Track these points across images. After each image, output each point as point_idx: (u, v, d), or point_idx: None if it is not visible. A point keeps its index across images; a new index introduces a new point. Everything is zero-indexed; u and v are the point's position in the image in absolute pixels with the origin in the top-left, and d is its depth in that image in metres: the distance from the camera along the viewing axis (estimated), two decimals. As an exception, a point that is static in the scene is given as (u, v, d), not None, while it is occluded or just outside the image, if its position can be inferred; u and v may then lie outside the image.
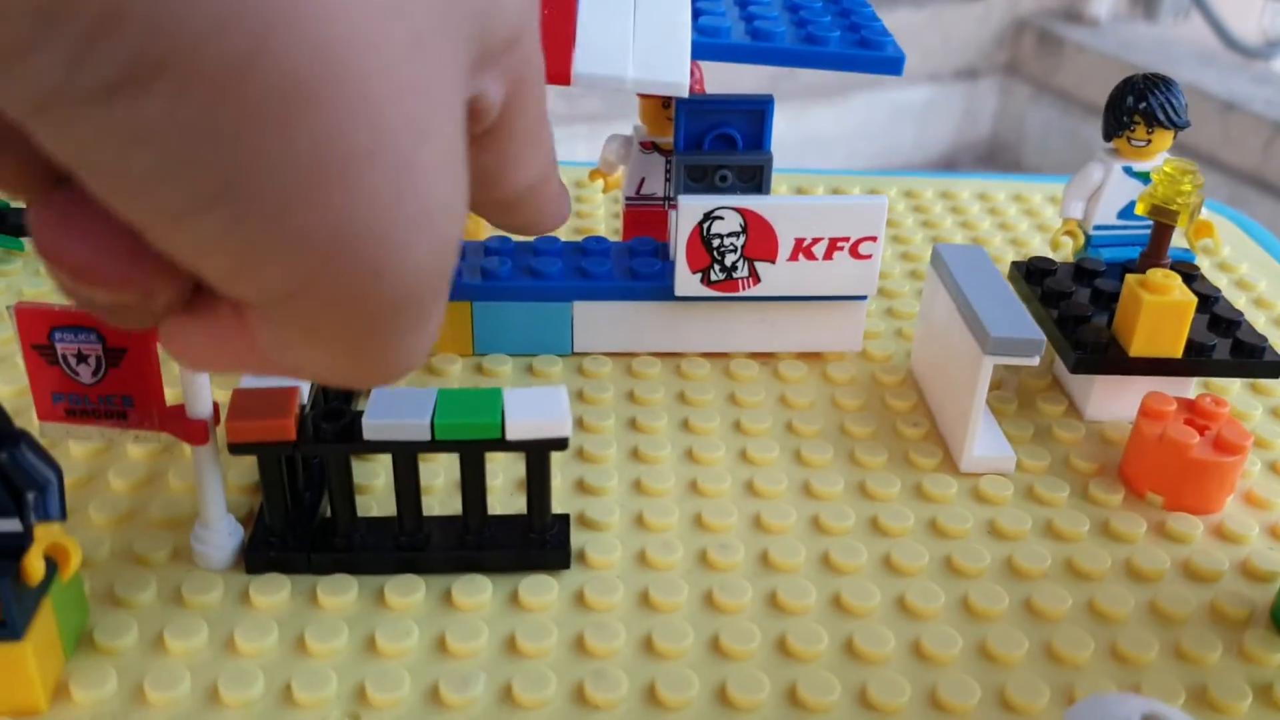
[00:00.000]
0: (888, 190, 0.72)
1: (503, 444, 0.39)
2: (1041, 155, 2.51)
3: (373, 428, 0.39)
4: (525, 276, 0.53)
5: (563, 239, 0.56)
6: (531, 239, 0.55)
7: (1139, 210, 0.49)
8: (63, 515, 0.35)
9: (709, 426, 0.49)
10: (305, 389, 0.41)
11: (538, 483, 0.41)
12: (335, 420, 0.39)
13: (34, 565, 0.34)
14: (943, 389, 0.50)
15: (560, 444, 0.39)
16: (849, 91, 2.45)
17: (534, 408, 0.39)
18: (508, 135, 0.26)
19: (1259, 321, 0.59)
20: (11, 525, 0.34)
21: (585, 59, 0.44)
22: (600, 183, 0.60)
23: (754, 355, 0.54)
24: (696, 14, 0.49)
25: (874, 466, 0.47)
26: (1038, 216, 0.70)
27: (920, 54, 2.47)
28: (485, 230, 0.60)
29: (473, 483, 0.41)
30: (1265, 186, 2.18)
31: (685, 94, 0.45)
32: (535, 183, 0.29)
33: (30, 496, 0.34)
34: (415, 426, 0.39)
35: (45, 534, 0.34)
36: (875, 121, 2.51)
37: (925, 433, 0.49)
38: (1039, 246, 0.66)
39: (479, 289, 0.52)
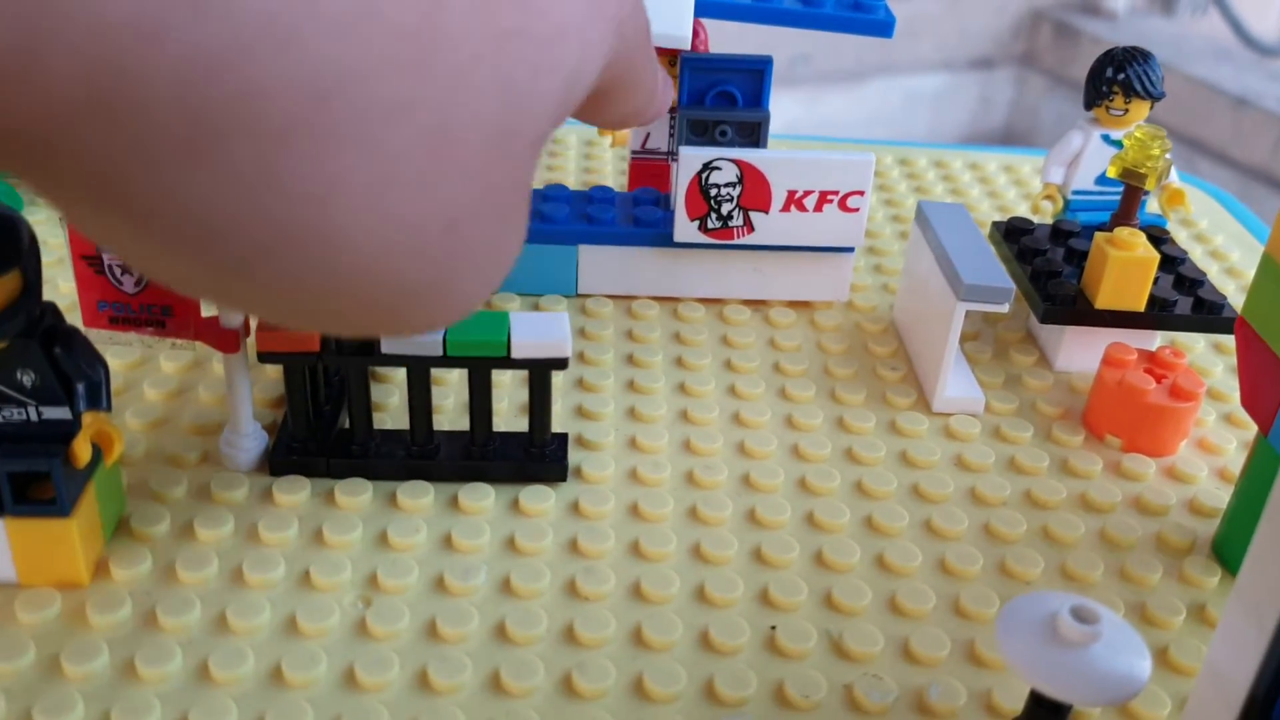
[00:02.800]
0: (883, 158, 0.75)
1: (508, 361, 0.43)
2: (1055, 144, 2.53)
3: (390, 342, 0.42)
4: (535, 220, 0.56)
5: (571, 188, 0.60)
6: (542, 187, 0.58)
7: (1110, 173, 0.53)
8: (108, 406, 0.38)
9: (700, 363, 0.53)
10: (328, 308, 0.44)
11: (539, 400, 0.44)
12: (355, 335, 0.43)
13: (82, 449, 0.38)
14: (921, 335, 0.53)
15: (560, 364, 0.43)
16: (864, 78, 2.47)
17: (538, 330, 0.43)
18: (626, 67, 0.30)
19: (1228, 289, 0.63)
20: (62, 413, 0.38)
21: (596, 13, 0.48)
22: (609, 138, 0.63)
23: (747, 302, 0.58)
24: (703, -24, 0.53)
25: (852, 403, 0.51)
26: (1025, 186, 0.73)
27: (937, 42, 2.50)
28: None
29: (480, 397, 0.44)
30: (1275, 183, 2.20)
31: (688, 47, 0.48)
32: (651, 88, 0.33)
33: (80, 387, 0.38)
34: (429, 342, 0.42)
35: (92, 421, 0.38)
36: (889, 108, 2.54)
37: (902, 376, 0.53)
38: (1023, 211, 0.69)
39: (491, 230, 0.55)
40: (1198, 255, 0.66)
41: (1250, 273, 0.63)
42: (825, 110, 2.46)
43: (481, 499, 0.43)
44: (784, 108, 2.40)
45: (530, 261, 0.56)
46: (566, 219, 0.56)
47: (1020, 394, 0.52)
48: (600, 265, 0.56)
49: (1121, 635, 0.34)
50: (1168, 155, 0.52)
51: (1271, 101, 2.22)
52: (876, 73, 2.48)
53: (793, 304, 0.58)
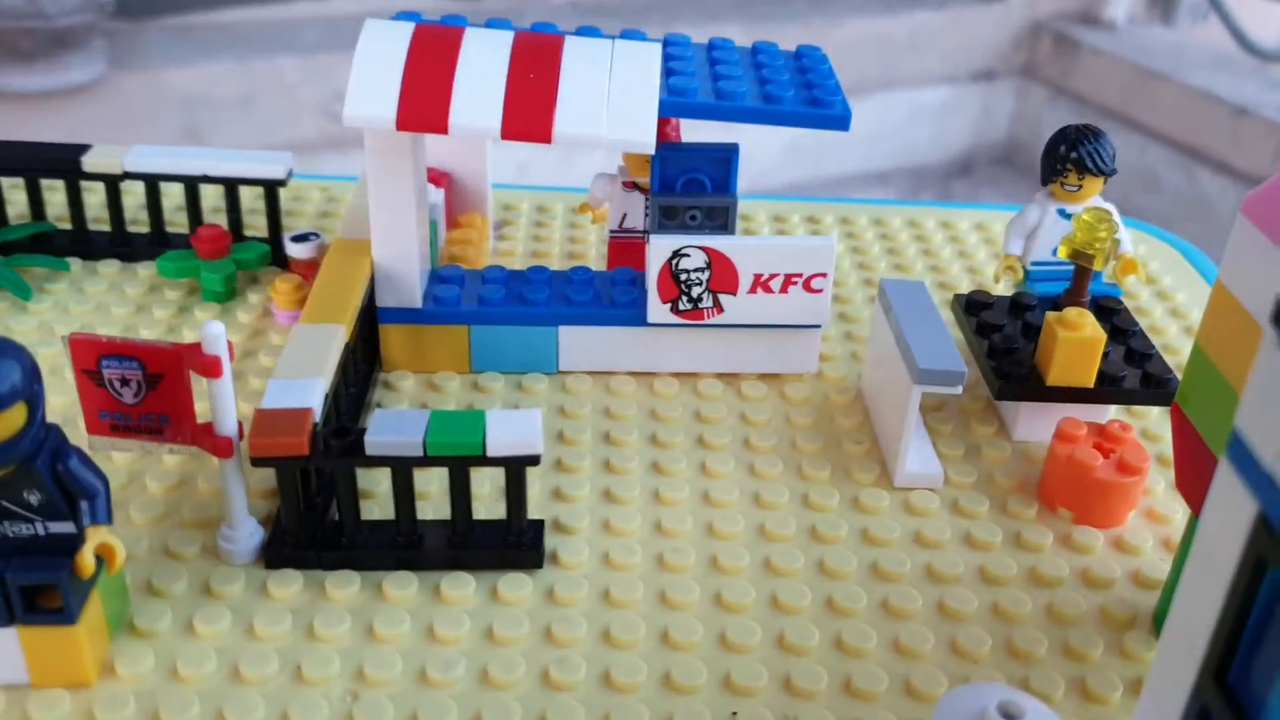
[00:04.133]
0: (858, 218, 0.78)
1: (484, 460, 0.46)
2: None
3: (373, 445, 0.45)
4: (516, 303, 0.59)
5: (556, 267, 0.62)
6: (524, 269, 0.61)
7: (1060, 254, 0.55)
8: (109, 519, 0.41)
9: (674, 441, 0.55)
10: (317, 409, 0.47)
11: (515, 493, 0.47)
12: (342, 437, 0.46)
13: (86, 562, 0.41)
14: (883, 411, 0.56)
15: (533, 460, 0.46)
16: (866, 93, 2.49)
17: (511, 428, 0.46)
18: None
19: (1185, 349, 0.65)
20: (67, 527, 0.41)
21: (564, 120, 0.50)
22: (589, 215, 0.66)
23: (720, 375, 0.60)
24: (669, 72, 0.55)
25: (817, 480, 0.53)
26: (995, 245, 0.75)
27: (938, 56, 2.52)
28: (483, 257, 0.66)
29: (460, 492, 0.47)
30: (1274, 190, 2.20)
31: (652, 152, 0.51)
32: None
33: (84, 504, 0.41)
34: (410, 444, 0.45)
35: (95, 535, 0.41)
36: (892, 122, 2.55)
37: (866, 450, 0.55)
38: (991, 275, 0.72)
39: (474, 313, 0.58)
40: (1158, 315, 0.68)
41: None
42: (826, 126, 2.47)
43: (463, 588, 0.46)
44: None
45: (513, 342, 0.59)
46: (547, 301, 0.59)
47: (979, 466, 0.55)
48: (579, 344, 0.59)
49: (1048, 729, 0.36)
50: (1116, 236, 0.54)
51: (1271, 110, 2.23)
52: (878, 88, 2.50)
53: (764, 376, 0.60)
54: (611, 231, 0.64)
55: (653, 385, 0.59)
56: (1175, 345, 0.65)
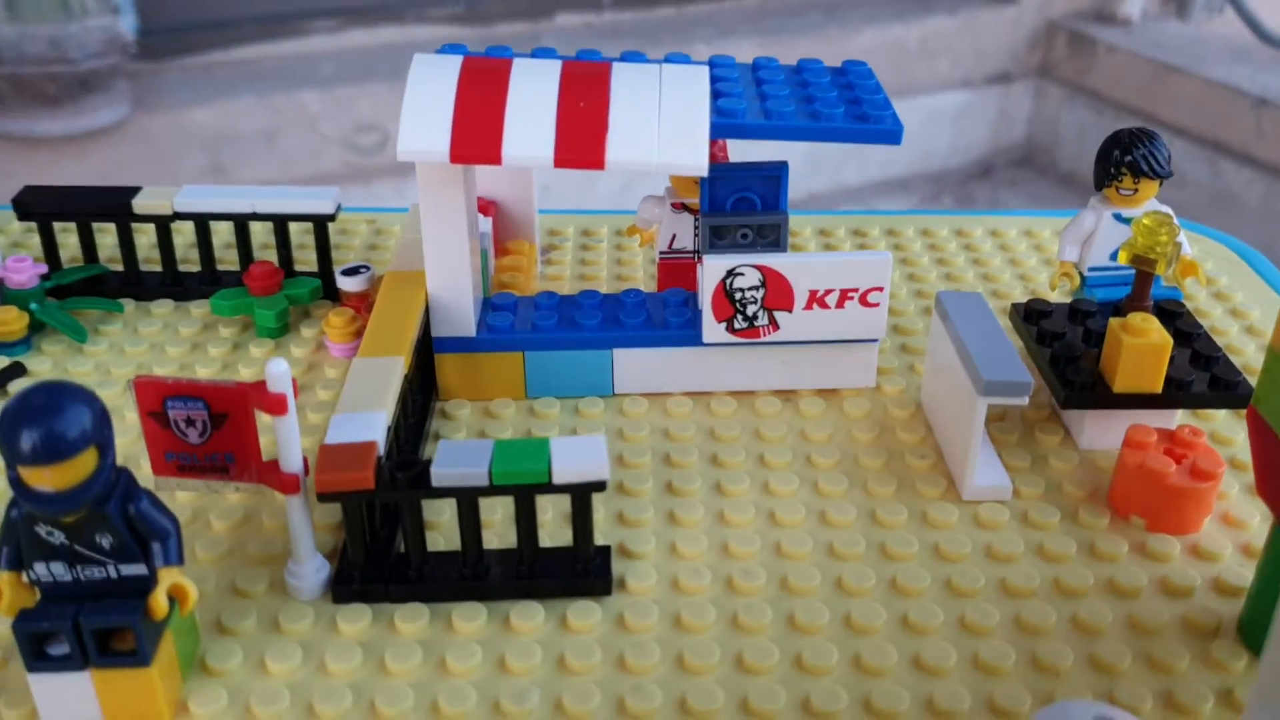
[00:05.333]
0: (905, 229, 0.77)
1: (550, 487, 0.45)
2: (1077, 157, 2.53)
3: (439, 476, 0.45)
4: (569, 328, 0.59)
5: (605, 290, 0.62)
6: (575, 294, 0.61)
7: (1121, 259, 0.54)
8: (181, 560, 0.41)
9: (735, 461, 0.55)
10: (381, 442, 0.47)
11: (581, 519, 0.47)
12: (408, 470, 0.46)
13: (159, 604, 0.40)
14: (946, 423, 0.55)
15: (599, 486, 0.45)
16: (885, 101, 2.48)
17: (576, 455, 0.45)
18: None
19: (1249, 349, 0.64)
20: (140, 569, 0.41)
21: (616, 146, 0.50)
22: (637, 238, 0.65)
23: (777, 393, 0.60)
24: (717, 94, 0.55)
25: (883, 496, 0.53)
26: (1045, 251, 0.75)
27: (953, 60, 2.51)
28: (532, 282, 0.66)
29: (526, 520, 0.47)
30: (1303, 182, 2.19)
31: (705, 174, 0.51)
32: None
33: (155, 546, 0.41)
34: (475, 475, 0.45)
35: (168, 576, 0.41)
36: (910, 128, 2.52)
37: (931, 464, 0.55)
38: (1044, 278, 0.71)
39: (529, 339, 0.58)
40: (1217, 315, 0.67)
41: (1269, 330, 0.65)
42: (849, 137, 2.47)
43: (532, 618, 0.46)
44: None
45: (568, 367, 0.59)
46: (599, 325, 0.58)
47: (1046, 475, 0.54)
48: (634, 366, 0.59)
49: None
50: (1178, 239, 0.54)
51: (1294, 101, 2.22)
52: (896, 95, 2.47)
53: (821, 392, 0.60)
54: (661, 253, 0.63)
55: (710, 405, 0.59)
56: (1238, 346, 0.64)
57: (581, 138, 0.50)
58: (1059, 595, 0.47)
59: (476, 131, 0.50)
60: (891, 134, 0.53)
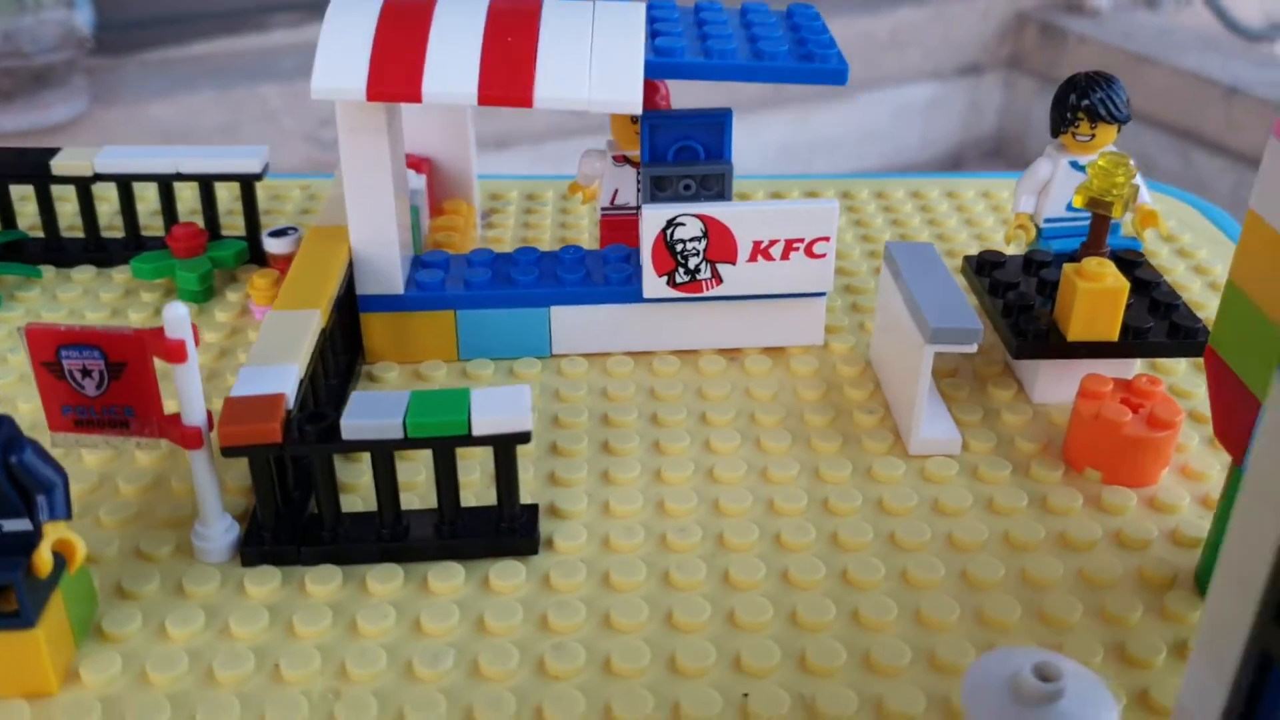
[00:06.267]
0: (860, 192, 0.75)
1: (470, 439, 0.43)
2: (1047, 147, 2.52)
3: (350, 428, 0.42)
4: (504, 285, 0.56)
5: (542, 249, 0.60)
6: (513, 251, 0.58)
7: (1076, 203, 0.52)
8: (68, 514, 0.38)
9: (675, 419, 0.52)
10: (291, 395, 0.44)
11: (505, 475, 0.44)
12: (317, 423, 0.43)
13: (43, 559, 0.38)
14: (895, 377, 0.53)
15: (522, 438, 0.43)
16: (853, 93, 2.47)
17: (497, 406, 0.43)
18: None
19: (1212, 305, 0.62)
20: (22, 525, 0.38)
21: (545, 83, 0.48)
22: (581, 198, 0.63)
23: (722, 351, 0.57)
24: (655, 34, 0.53)
25: (827, 452, 0.50)
26: (1002, 212, 0.73)
27: (923, 52, 2.50)
28: (469, 244, 0.63)
29: (446, 477, 0.44)
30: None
31: (639, 112, 0.48)
32: None
33: (40, 499, 0.38)
34: (389, 426, 0.42)
35: (53, 531, 0.38)
36: (880, 121, 2.53)
37: (879, 419, 0.52)
38: (1000, 239, 0.69)
39: (461, 297, 0.55)
40: (1180, 272, 0.65)
41: None
42: (816, 128, 2.46)
43: (452, 579, 0.43)
44: (775, 128, 2.40)
45: (502, 325, 0.56)
46: (536, 282, 0.56)
47: (998, 430, 0.52)
48: (573, 325, 0.56)
49: (1087, 689, 0.33)
50: (1135, 180, 0.51)
51: (1263, 88, 2.21)
52: (866, 87, 2.48)
53: (768, 350, 0.57)
54: (603, 209, 0.61)
55: (652, 364, 0.56)
56: (1200, 301, 0.62)
57: (508, 74, 0.48)
58: (1008, 549, 0.45)
59: (395, 68, 0.48)
60: (836, 73, 0.51)
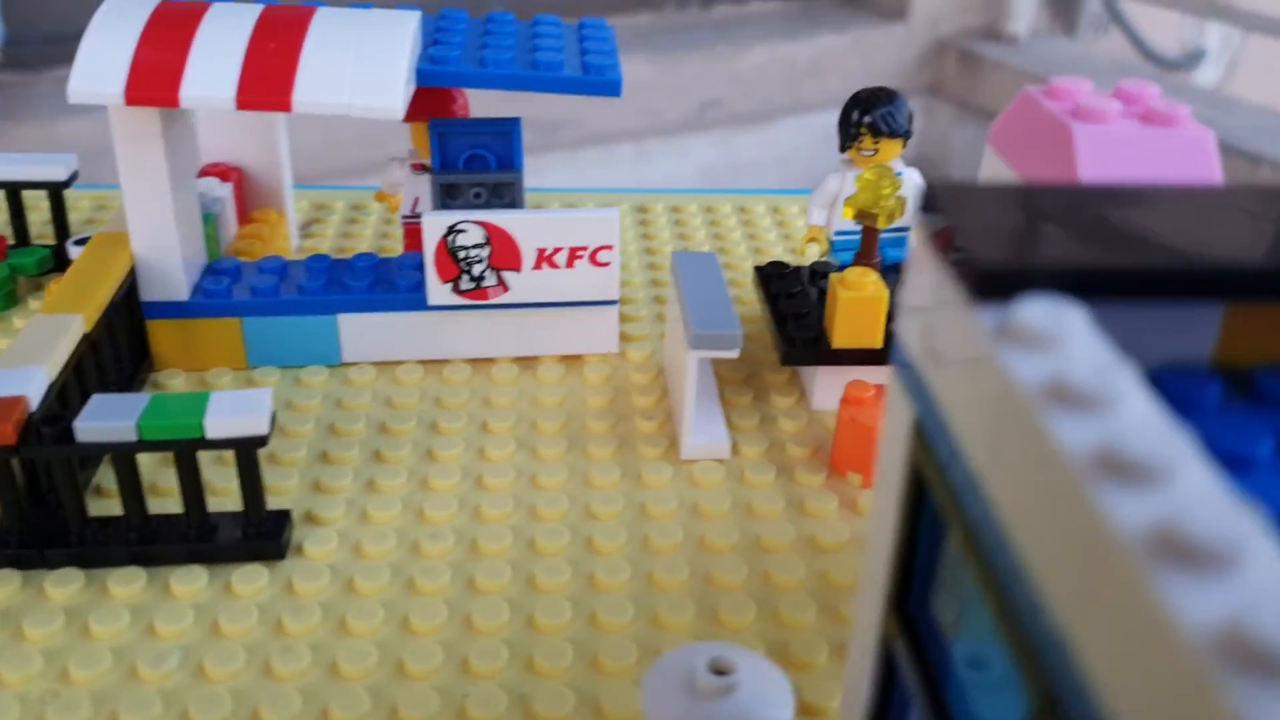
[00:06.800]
0: (654, 205, 0.76)
1: (206, 443, 0.42)
2: (966, 172, 2.56)
3: (84, 430, 0.42)
4: (292, 292, 0.56)
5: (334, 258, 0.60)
6: (304, 258, 0.58)
7: (845, 215, 0.53)
8: None
9: (453, 427, 0.52)
10: (34, 398, 0.44)
11: (248, 478, 0.44)
12: (54, 424, 0.43)
13: None
14: (676, 384, 0.53)
15: (260, 441, 0.43)
16: (775, 118, 2.50)
17: (235, 408, 0.42)
18: None
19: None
20: None
21: (305, 87, 0.48)
22: (391, 206, 0.63)
23: (517, 360, 0.57)
24: (435, 41, 0.53)
25: (601, 458, 0.51)
26: (788, 227, 0.74)
27: (843, 77, 2.53)
28: (262, 252, 0.63)
29: (188, 479, 0.44)
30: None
31: (399, 118, 0.48)
32: None
33: None
34: (123, 429, 0.42)
35: None
36: (802, 145, 2.56)
37: (658, 425, 0.52)
38: (782, 253, 0.70)
39: (247, 304, 0.55)
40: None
41: None
42: (738, 152, 2.49)
43: (193, 582, 0.43)
44: (698, 152, 2.42)
45: (290, 333, 0.56)
46: (322, 289, 0.56)
47: (772, 435, 0.52)
48: (361, 333, 0.56)
49: (765, 682, 0.33)
50: (900, 193, 0.52)
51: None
52: (786, 112, 2.50)
53: (564, 359, 0.58)
54: (404, 218, 0.61)
55: (443, 373, 0.56)
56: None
57: (268, 79, 0.48)
58: (758, 552, 0.45)
59: (154, 72, 0.47)
60: (611, 85, 0.52)
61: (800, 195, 0.77)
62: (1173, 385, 0.25)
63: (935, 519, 0.27)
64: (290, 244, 0.67)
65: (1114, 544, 0.18)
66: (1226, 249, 0.26)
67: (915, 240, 0.27)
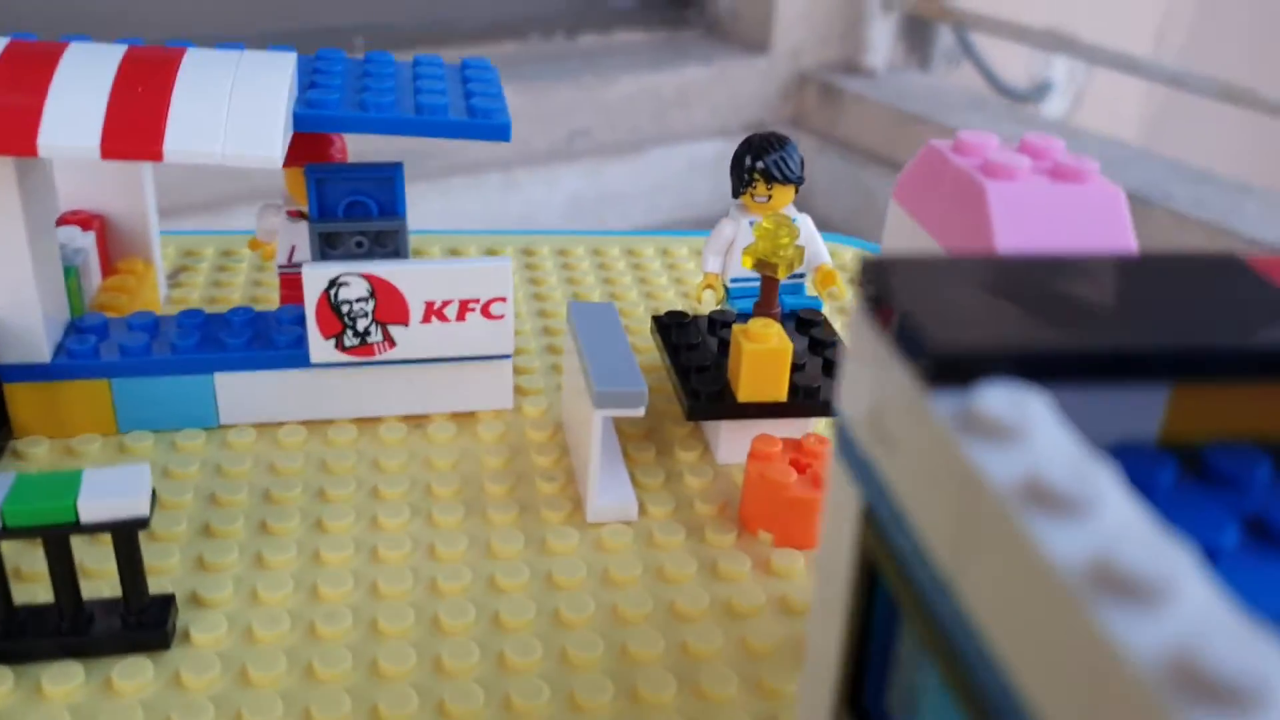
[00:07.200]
0: (540, 247, 0.74)
1: (80, 527, 0.39)
2: (830, 202, 2.60)
3: (-63, 519, 0.38)
4: (165, 351, 0.52)
5: (207, 310, 0.56)
6: (175, 311, 0.55)
7: (744, 264, 0.52)
8: None
9: (342, 494, 0.49)
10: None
11: (128, 564, 0.40)
12: (-98, 513, 0.38)
13: None
14: (577, 441, 0.51)
15: (140, 524, 0.39)
16: (643, 148, 2.51)
17: (111, 488, 0.39)
18: None
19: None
20: None
21: (176, 135, 0.45)
22: (262, 253, 0.60)
23: (405, 418, 0.55)
24: (312, 84, 0.50)
25: (502, 524, 0.48)
26: (678, 270, 0.72)
27: (710, 109, 2.55)
28: (129, 305, 0.59)
29: (60, 568, 0.40)
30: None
31: (277, 166, 0.46)
32: None
33: None
34: (-19, 515, 0.38)
35: None
36: (671, 176, 2.57)
37: (560, 487, 0.50)
38: (673, 296, 0.69)
39: (116, 365, 0.51)
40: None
41: None
42: (606, 182, 2.48)
43: (68, 680, 0.39)
44: (567, 182, 2.41)
45: (163, 395, 0.52)
46: (197, 347, 0.52)
47: (678, 493, 0.51)
48: (240, 393, 0.53)
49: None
50: (799, 243, 0.52)
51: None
52: (654, 143, 2.51)
53: (455, 416, 0.55)
54: (280, 267, 0.58)
55: (327, 434, 0.53)
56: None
57: (135, 126, 0.44)
58: (673, 620, 0.44)
59: (8, 118, 0.44)
60: (499, 129, 0.50)
61: (689, 237, 0.76)
62: (1128, 467, 0.25)
63: (889, 609, 0.26)
64: (159, 295, 0.63)
65: (1121, 669, 0.17)
66: (1172, 325, 0.25)
67: (854, 316, 0.26)
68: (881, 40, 2.67)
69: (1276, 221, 2.09)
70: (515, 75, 2.38)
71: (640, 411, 0.47)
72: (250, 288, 0.66)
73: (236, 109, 0.45)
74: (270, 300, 0.65)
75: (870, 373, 0.24)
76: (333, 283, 0.50)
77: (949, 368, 0.22)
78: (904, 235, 0.39)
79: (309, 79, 0.51)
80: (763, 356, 0.49)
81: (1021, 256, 0.27)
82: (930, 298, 0.24)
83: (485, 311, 0.52)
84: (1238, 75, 2.42)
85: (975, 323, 0.24)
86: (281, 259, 0.58)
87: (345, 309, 0.51)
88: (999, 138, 0.41)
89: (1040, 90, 3.04)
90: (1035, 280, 0.26)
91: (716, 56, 2.60)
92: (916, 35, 2.83)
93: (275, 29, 2.24)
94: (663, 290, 0.70)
